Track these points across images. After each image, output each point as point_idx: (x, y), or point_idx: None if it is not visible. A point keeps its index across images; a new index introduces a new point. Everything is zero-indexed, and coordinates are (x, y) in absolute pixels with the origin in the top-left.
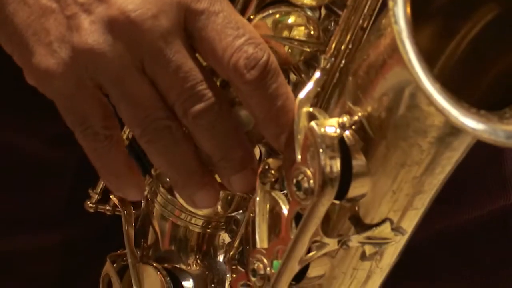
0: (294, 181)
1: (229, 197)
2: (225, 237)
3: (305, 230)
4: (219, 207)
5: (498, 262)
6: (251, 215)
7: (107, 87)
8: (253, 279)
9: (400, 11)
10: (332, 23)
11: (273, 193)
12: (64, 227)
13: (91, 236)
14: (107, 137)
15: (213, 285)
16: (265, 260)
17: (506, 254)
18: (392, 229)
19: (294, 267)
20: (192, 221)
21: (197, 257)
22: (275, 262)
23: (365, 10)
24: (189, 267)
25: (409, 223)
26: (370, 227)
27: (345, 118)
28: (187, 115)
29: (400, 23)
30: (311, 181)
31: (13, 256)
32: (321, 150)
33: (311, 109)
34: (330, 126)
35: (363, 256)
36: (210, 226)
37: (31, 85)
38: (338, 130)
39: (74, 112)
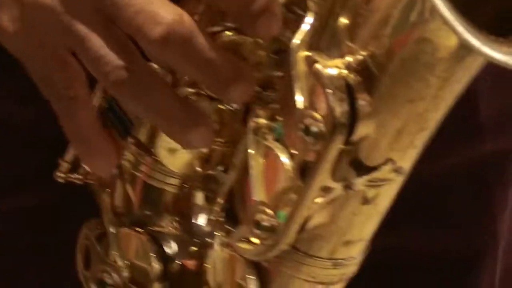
0: (302, 126)
1: (207, 154)
2: (199, 197)
3: (317, 176)
4: (196, 166)
5: (470, 215)
6: (233, 172)
7: (66, 43)
8: (256, 231)
9: None
10: None
11: (268, 143)
12: (37, 190)
13: (65, 200)
14: (71, 98)
15: (194, 247)
16: (268, 211)
17: (479, 207)
18: (394, 170)
19: (304, 215)
20: (167, 181)
21: (175, 219)
22: (281, 212)
23: None
24: (167, 230)
25: (408, 163)
26: (372, 169)
27: (350, 58)
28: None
29: None
30: (321, 125)
31: None
32: (329, 91)
33: (309, 53)
34: (335, 68)
35: (364, 200)
36: (186, 186)
37: None
38: (344, 71)
39: (37, 72)
